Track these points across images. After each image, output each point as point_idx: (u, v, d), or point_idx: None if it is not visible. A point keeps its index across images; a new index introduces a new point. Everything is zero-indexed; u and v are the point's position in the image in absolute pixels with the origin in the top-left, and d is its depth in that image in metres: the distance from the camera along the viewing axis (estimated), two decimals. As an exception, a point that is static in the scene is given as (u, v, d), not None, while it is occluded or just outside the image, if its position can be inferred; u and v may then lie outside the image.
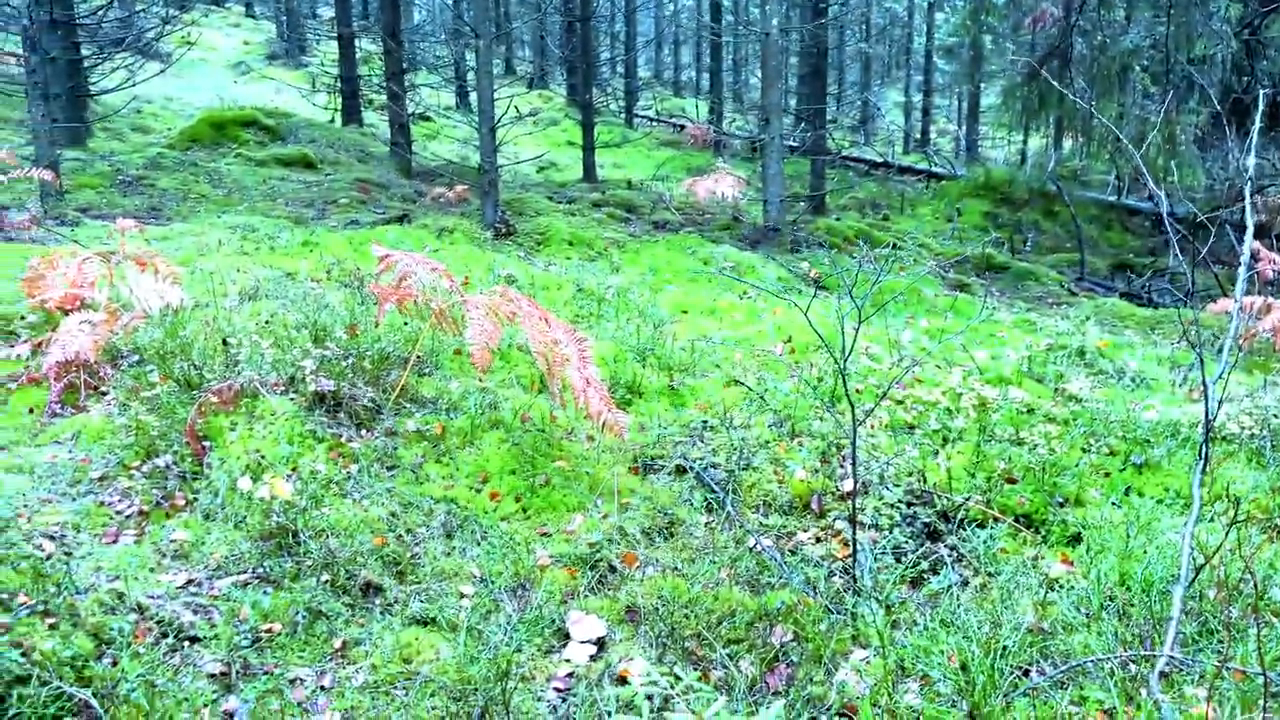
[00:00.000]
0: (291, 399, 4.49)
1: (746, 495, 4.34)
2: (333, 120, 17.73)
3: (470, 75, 22.21)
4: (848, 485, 4.22)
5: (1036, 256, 14.42)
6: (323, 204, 11.53)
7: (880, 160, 21.12)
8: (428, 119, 20.37)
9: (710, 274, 9.66)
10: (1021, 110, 16.59)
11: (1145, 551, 3.37)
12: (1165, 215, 4.05)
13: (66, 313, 5.23)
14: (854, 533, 3.55)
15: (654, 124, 25.96)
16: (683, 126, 24.40)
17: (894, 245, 12.95)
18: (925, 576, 3.67)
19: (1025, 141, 23.99)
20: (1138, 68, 14.70)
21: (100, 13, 12.75)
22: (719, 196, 14.41)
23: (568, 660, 3.21)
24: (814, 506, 4.21)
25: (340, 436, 4.37)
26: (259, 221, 9.39)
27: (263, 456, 4.11)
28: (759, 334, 6.87)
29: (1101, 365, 6.25)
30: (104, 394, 4.77)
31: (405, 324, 5.45)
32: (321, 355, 4.74)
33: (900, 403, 5.20)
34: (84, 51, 12.64)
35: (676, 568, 3.74)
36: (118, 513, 3.87)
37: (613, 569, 3.75)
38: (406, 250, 5.27)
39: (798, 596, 3.42)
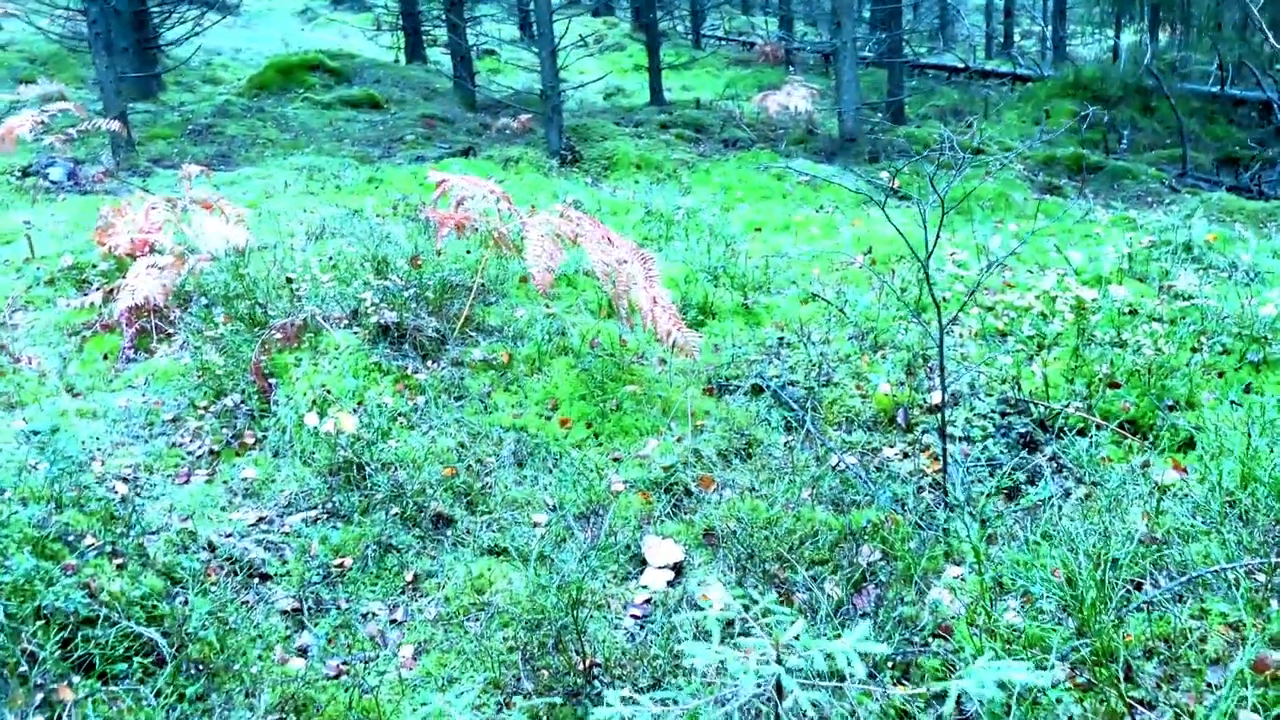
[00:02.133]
0: (355, 332, 4.41)
1: (827, 412, 4.13)
2: (397, 59, 17.58)
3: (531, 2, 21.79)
4: (936, 397, 3.98)
5: (1133, 155, 13.60)
6: (389, 142, 11.45)
7: (961, 65, 20.11)
8: (491, 53, 20.07)
9: (784, 190, 9.31)
10: (1113, 2, 15.53)
11: (1271, 451, 3.07)
12: (1275, 101, 3.64)
13: (135, 259, 5.24)
14: (944, 445, 3.32)
15: (722, 43, 25.17)
16: (752, 44, 23.61)
17: (976, 150, 12.33)
18: (1022, 488, 3.43)
19: (1117, 36, 22.53)
20: (1239, -56, 13.59)
21: (161, -37, 12.75)
22: (792, 110, 13.86)
23: (644, 587, 3.09)
24: (900, 420, 3.99)
25: (406, 368, 4.28)
26: (325, 162, 9.35)
27: (328, 391, 4.05)
28: (837, 247, 6.57)
29: (1210, 260, 5.81)
30: (174, 337, 4.77)
31: (468, 253, 5.32)
32: (384, 287, 4.64)
33: (990, 309, 4.89)
34: (149, 4, 12.68)
35: (755, 489, 3.57)
36: (189, 453, 3.86)
37: (689, 493, 3.60)
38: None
39: (885, 514, 3.23)
